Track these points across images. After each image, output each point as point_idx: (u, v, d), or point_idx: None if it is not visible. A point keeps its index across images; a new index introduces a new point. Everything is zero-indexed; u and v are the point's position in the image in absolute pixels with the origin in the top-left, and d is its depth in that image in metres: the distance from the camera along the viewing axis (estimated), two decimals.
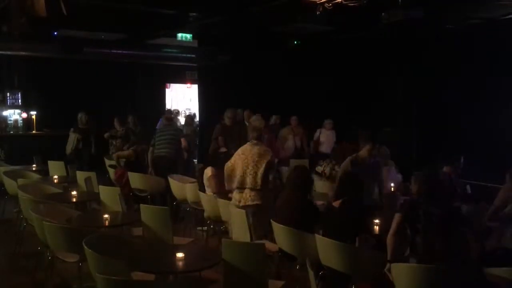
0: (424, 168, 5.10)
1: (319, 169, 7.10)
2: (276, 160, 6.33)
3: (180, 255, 3.95)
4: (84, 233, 4.34)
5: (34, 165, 9.04)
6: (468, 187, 6.37)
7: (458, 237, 3.90)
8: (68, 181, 7.78)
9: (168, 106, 15.00)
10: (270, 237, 5.16)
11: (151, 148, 8.28)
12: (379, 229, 4.84)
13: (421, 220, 3.91)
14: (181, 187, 7.19)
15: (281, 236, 4.80)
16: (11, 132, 12.11)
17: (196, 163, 10.61)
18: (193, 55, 12.55)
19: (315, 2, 6.55)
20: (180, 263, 3.94)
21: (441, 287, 3.67)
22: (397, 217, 4.09)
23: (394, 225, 4.08)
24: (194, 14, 9.36)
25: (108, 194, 6.30)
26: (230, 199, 5.82)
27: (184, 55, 12.54)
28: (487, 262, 4.04)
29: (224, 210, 5.92)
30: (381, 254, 4.10)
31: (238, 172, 5.62)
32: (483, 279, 3.64)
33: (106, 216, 5.16)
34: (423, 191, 4.07)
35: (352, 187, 4.72)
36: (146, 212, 5.37)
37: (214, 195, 6.33)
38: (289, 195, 5.10)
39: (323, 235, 4.40)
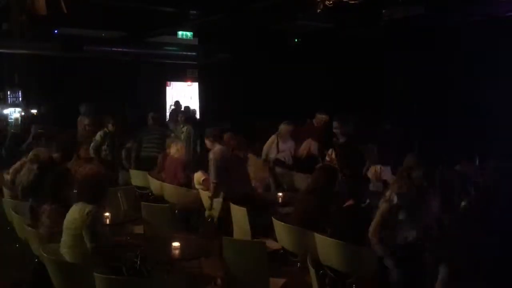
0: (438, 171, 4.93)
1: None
2: None
3: (176, 244, 3.99)
4: None
5: None
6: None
7: None
8: None
9: (169, 104, 14.97)
10: (272, 235, 5.15)
11: (135, 145, 8.13)
12: None
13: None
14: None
15: (283, 234, 4.80)
16: (12, 130, 12.09)
17: None
18: (193, 53, 12.54)
19: None
20: (177, 252, 3.96)
21: None
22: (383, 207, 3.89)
23: (378, 217, 3.87)
24: (195, 12, 9.35)
25: (109, 193, 6.27)
26: None
27: (185, 53, 12.53)
28: None
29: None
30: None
31: None
32: None
33: (107, 214, 5.15)
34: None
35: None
36: (147, 210, 5.38)
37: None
38: (304, 197, 5.00)
39: (330, 235, 4.29)
